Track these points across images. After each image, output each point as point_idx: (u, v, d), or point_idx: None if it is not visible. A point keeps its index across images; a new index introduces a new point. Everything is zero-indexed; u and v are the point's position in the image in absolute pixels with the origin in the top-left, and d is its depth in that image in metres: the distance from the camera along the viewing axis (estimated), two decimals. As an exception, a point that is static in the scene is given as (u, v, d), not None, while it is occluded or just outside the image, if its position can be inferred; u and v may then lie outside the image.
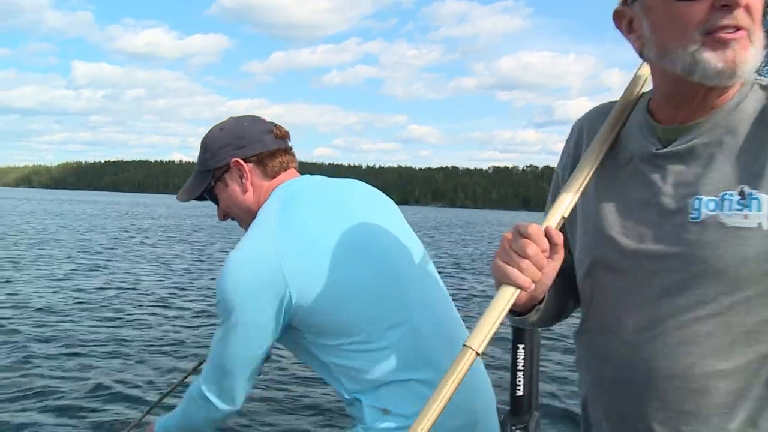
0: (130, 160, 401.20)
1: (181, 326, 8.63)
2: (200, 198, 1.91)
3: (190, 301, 10.78)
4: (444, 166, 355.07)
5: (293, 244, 1.63)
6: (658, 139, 1.25)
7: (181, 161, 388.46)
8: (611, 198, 1.27)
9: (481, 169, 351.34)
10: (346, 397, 1.67)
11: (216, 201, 1.90)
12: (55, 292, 10.82)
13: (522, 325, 1.37)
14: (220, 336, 1.68)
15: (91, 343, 7.40)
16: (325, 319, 1.62)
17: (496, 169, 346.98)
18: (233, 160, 1.81)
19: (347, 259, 1.65)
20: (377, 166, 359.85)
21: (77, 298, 10.33)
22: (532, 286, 1.16)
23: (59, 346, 7.16)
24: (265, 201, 1.79)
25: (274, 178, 1.84)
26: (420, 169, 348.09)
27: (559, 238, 1.19)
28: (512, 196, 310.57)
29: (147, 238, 24.72)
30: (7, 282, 11.47)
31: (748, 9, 1.11)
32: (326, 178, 1.88)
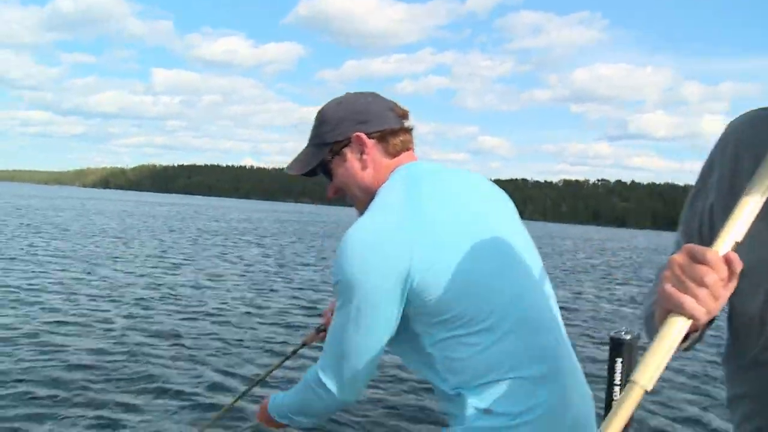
0: (203, 164, 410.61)
1: (265, 323, 9.23)
2: (310, 173, 1.85)
3: (272, 299, 11.44)
4: (513, 178, 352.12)
5: (422, 228, 1.59)
6: None
7: (252, 166, 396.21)
8: None
9: (551, 182, 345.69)
10: (449, 392, 1.62)
11: (330, 176, 1.84)
12: (154, 287, 11.63)
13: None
14: (340, 321, 1.62)
15: (188, 335, 8.06)
16: (445, 308, 1.57)
17: (567, 182, 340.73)
18: (355, 134, 1.76)
19: (471, 250, 1.61)
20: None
21: (174, 293, 11.11)
22: (706, 318, 1.03)
23: (160, 338, 7.83)
24: (385, 180, 1.75)
25: (395, 156, 1.79)
26: (489, 180, 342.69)
27: (739, 266, 1.04)
28: (582, 209, 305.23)
29: (231, 240, 25.66)
30: (106, 276, 12.34)
31: None
32: (444, 166, 1.82)
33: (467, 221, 1.65)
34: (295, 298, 11.94)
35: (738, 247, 1.07)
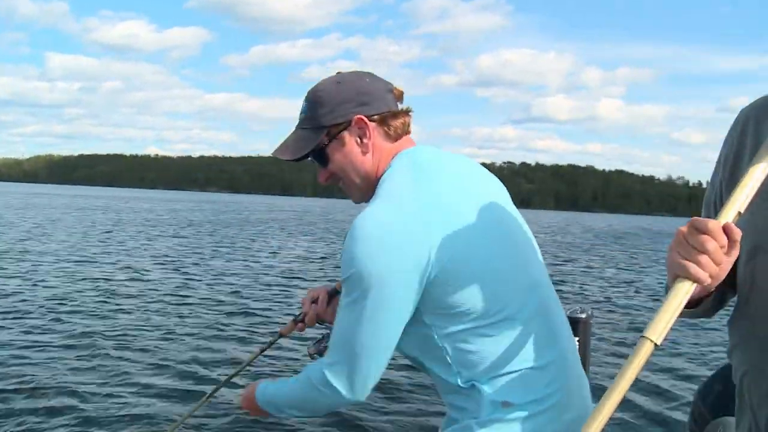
0: (105, 153, 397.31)
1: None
2: (299, 159, 1.73)
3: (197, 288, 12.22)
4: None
5: (440, 218, 1.54)
6: None
7: (156, 155, 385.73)
8: None
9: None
10: (461, 385, 1.57)
11: (324, 162, 1.73)
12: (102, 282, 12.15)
13: (686, 316, 1.34)
14: (352, 316, 1.54)
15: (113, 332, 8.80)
16: (462, 299, 1.53)
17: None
18: (357, 117, 1.67)
19: (484, 238, 1.58)
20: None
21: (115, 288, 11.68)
22: (710, 281, 1.14)
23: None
24: (386, 166, 1.69)
25: (395, 140, 1.72)
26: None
27: (738, 234, 1.14)
28: None
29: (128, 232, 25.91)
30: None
31: None
32: (444, 151, 1.77)
33: (479, 210, 1.60)
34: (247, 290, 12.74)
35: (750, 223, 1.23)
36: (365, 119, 1.67)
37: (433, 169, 1.64)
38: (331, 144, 1.70)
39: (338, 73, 1.77)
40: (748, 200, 1.19)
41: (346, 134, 1.69)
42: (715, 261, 1.13)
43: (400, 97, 1.75)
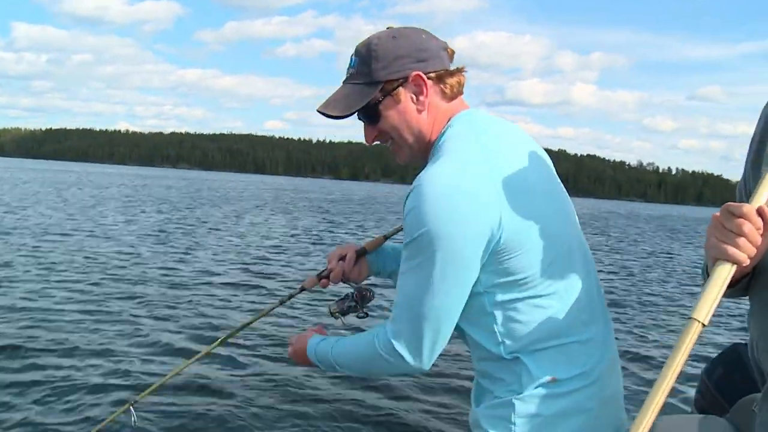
0: (74, 128, 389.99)
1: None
2: (348, 115, 1.66)
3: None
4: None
5: (509, 182, 1.51)
6: None
7: (127, 131, 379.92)
8: None
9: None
10: (504, 356, 1.56)
11: (374, 119, 1.66)
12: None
13: (726, 296, 1.34)
14: (418, 277, 1.50)
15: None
16: (522, 267, 1.52)
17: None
18: (415, 73, 1.60)
19: (547, 206, 1.58)
20: (328, 141, 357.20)
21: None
22: (748, 261, 1.19)
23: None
24: (442, 127, 1.65)
25: (451, 100, 1.67)
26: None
27: None
28: None
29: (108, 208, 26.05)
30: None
31: None
32: (497, 117, 1.72)
33: (540, 178, 1.61)
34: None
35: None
36: (423, 76, 1.62)
37: (496, 133, 1.62)
38: (384, 100, 1.63)
39: (389, 27, 1.69)
40: None
41: (401, 90, 1.63)
42: (753, 242, 1.19)
43: (452, 56, 1.70)
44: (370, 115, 1.65)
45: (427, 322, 1.52)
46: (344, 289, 2.00)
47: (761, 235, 1.20)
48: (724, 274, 1.19)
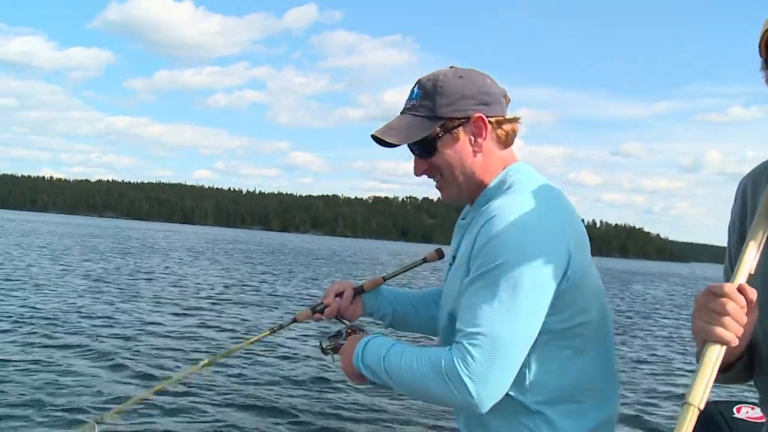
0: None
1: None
2: (406, 143, 1.67)
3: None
4: (325, 194, 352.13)
5: (574, 226, 1.56)
6: None
7: (51, 177, 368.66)
8: None
9: (362, 199, 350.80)
10: (529, 407, 1.54)
11: (429, 153, 1.67)
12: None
13: (725, 381, 1.42)
14: (495, 307, 1.45)
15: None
16: (571, 314, 1.53)
17: (376, 199, 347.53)
18: (477, 114, 1.62)
19: (590, 265, 1.61)
20: (258, 192, 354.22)
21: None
22: (737, 341, 1.18)
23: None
24: (495, 171, 1.67)
25: (505, 147, 1.69)
26: (301, 196, 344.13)
27: (753, 293, 1.21)
28: (391, 226, 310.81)
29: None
30: None
31: None
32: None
33: (584, 236, 1.63)
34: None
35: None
36: (485, 118, 1.63)
37: (552, 187, 1.65)
38: (443, 136, 1.64)
39: (452, 67, 1.71)
40: (756, 261, 1.27)
41: (461, 130, 1.64)
42: (738, 321, 1.19)
43: (508, 103, 1.72)
44: (426, 148, 1.66)
45: (499, 351, 1.45)
46: (333, 324, 1.96)
47: (745, 314, 1.21)
48: (714, 355, 1.19)
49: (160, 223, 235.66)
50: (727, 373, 1.37)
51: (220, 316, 13.25)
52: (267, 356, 8.17)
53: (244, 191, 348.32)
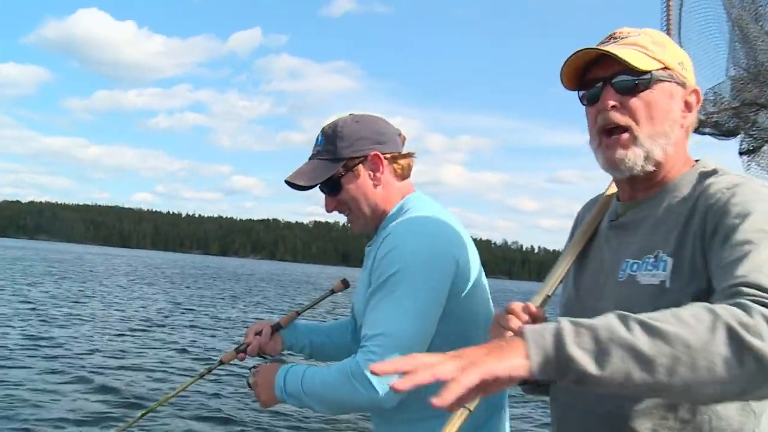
0: None
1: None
2: (313, 186, 1.85)
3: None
4: (266, 218, 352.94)
5: (459, 241, 1.76)
6: (617, 214, 1.45)
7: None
8: (581, 267, 1.48)
9: (303, 223, 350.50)
10: (394, 418, 1.70)
11: (336, 191, 1.85)
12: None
13: (530, 392, 1.54)
14: (399, 308, 1.62)
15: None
16: (462, 318, 1.71)
17: (317, 224, 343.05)
18: (374, 153, 1.82)
19: (480, 276, 1.80)
20: (197, 215, 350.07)
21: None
22: None
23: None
24: (394, 201, 1.86)
25: (402, 179, 1.88)
26: (241, 220, 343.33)
27: (539, 312, 1.33)
28: (332, 250, 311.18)
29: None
30: None
31: (627, 108, 1.32)
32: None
33: (474, 252, 1.83)
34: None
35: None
36: (380, 155, 1.83)
37: (443, 212, 1.85)
38: (346, 175, 1.83)
39: (351, 114, 1.91)
40: (555, 286, 1.43)
41: (361, 167, 1.83)
42: None
43: (404, 141, 1.93)
44: (333, 187, 1.85)
45: (403, 349, 1.56)
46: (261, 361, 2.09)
47: None
48: None
49: (96, 246, 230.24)
50: (524, 385, 1.46)
51: (156, 348, 12.92)
52: (197, 399, 8.08)
53: (184, 214, 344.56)
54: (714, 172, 1.33)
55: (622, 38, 1.36)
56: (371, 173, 1.84)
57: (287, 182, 1.87)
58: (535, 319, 1.31)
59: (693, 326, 0.97)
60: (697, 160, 1.40)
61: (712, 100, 1.98)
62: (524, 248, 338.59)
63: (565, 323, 1.02)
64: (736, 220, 1.19)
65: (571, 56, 1.34)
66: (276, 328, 2.11)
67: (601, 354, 0.98)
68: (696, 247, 1.24)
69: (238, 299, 27.77)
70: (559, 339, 1.00)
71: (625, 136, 1.31)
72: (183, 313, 19.27)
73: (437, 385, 1.42)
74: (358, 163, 1.83)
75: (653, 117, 1.32)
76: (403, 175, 1.89)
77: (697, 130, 1.73)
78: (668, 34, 1.93)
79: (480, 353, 1.01)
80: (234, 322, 18.24)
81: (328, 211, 1.89)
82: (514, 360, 1.00)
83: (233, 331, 15.93)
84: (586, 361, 0.98)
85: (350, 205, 1.87)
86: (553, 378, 1.03)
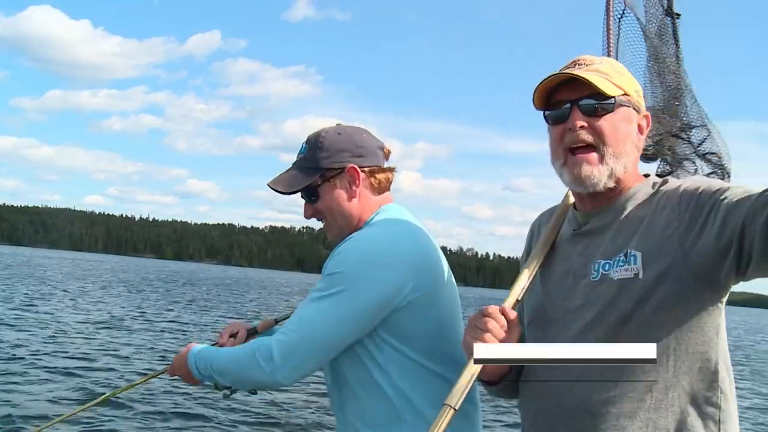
0: None
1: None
2: (292, 192, 1.90)
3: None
4: (222, 222, 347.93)
5: (423, 259, 1.79)
6: (578, 223, 1.54)
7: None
8: (546, 273, 1.56)
9: (258, 228, 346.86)
10: (401, 416, 1.74)
11: (313, 199, 1.90)
12: None
13: (496, 394, 1.62)
14: (320, 305, 1.70)
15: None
16: (418, 330, 1.75)
17: (273, 229, 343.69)
18: (351, 166, 1.85)
19: (444, 288, 1.84)
20: (151, 219, 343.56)
21: None
22: None
23: None
24: (369, 214, 1.88)
25: (379, 193, 1.91)
26: (196, 224, 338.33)
27: (513, 314, 1.41)
28: (287, 256, 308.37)
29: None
30: None
31: (593, 129, 1.41)
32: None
33: (444, 265, 1.89)
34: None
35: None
36: (358, 169, 1.86)
37: (415, 223, 1.90)
38: (323, 185, 1.88)
39: (338, 124, 1.95)
40: (525, 289, 1.52)
41: (338, 179, 1.87)
42: (496, 336, 1.38)
43: (387, 156, 1.96)
44: (310, 195, 1.91)
45: (310, 343, 1.69)
46: None
47: (505, 332, 1.41)
48: (474, 367, 1.39)
49: (44, 249, 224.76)
50: (494, 386, 1.57)
51: (112, 350, 12.78)
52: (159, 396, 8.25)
53: (137, 218, 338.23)
54: (665, 182, 1.47)
55: (586, 65, 1.46)
56: (348, 185, 1.87)
57: (269, 185, 1.93)
58: (509, 320, 1.42)
59: None
60: (646, 175, 1.54)
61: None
62: (479, 255, 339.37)
63: None
64: (711, 189, 1.34)
65: (545, 78, 1.44)
66: (251, 332, 2.16)
67: None
68: (671, 236, 1.35)
69: (194, 303, 27.54)
70: None
71: (594, 155, 1.41)
72: (141, 316, 19.07)
73: (397, 391, 1.71)
74: (336, 175, 1.87)
75: (618, 138, 1.43)
76: (380, 189, 1.92)
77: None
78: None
79: None
80: (197, 326, 18.20)
81: (306, 217, 1.94)
82: None
83: (194, 334, 15.92)
84: None
85: (325, 214, 1.92)
86: None
